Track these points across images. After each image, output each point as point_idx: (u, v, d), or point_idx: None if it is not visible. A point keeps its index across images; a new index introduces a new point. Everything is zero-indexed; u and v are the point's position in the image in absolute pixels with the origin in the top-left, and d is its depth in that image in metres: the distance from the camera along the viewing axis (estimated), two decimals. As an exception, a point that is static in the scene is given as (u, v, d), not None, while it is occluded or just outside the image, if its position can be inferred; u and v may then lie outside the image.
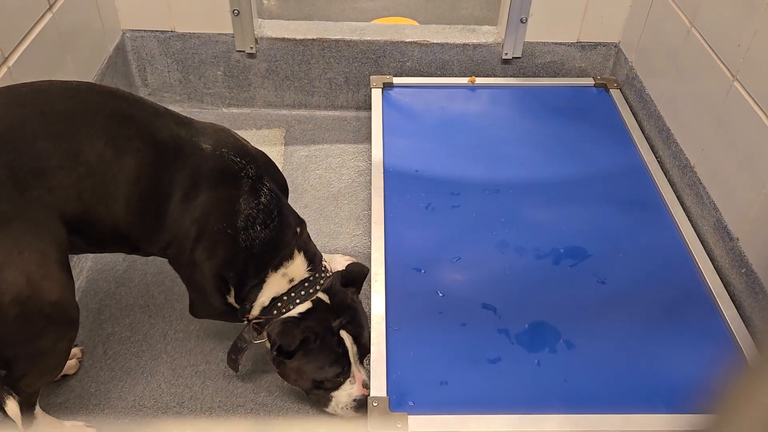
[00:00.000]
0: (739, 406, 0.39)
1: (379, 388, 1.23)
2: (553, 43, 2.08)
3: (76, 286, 1.52)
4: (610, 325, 1.37)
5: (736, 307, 1.40)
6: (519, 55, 2.08)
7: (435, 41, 2.05)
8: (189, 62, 2.08)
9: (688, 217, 1.61)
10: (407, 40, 2.05)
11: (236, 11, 1.96)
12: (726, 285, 1.44)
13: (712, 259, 1.51)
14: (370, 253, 1.51)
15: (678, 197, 1.67)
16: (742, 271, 1.40)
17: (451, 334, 1.34)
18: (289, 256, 1.22)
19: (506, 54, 2.07)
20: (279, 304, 1.22)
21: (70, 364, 1.36)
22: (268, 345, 1.23)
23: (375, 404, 1.20)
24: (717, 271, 1.47)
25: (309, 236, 1.30)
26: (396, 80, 2.05)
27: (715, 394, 0.40)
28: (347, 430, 1.28)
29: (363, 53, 2.06)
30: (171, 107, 2.04)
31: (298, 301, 1.22)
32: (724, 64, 1.49)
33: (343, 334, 1.25)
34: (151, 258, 1.60)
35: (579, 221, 1.61)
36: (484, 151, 1.82)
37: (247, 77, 2.11)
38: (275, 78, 2.12)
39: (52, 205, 0.99)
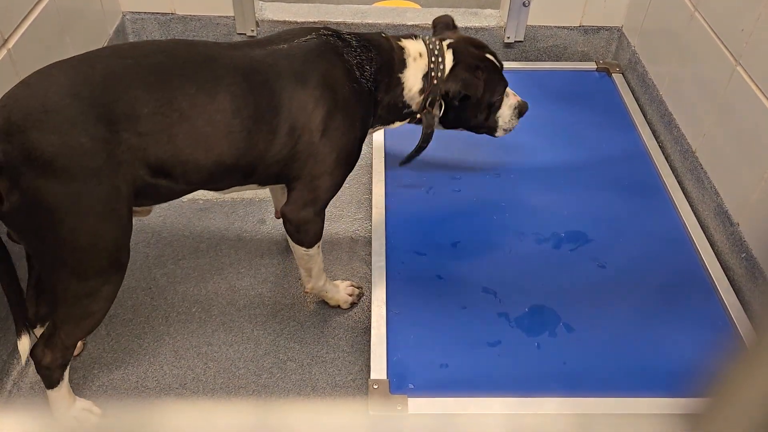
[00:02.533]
0: (736, 389, 0.40)
1: (379, 370, 1.24)
2: (555, 27, 2.06)
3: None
4: (610, 309, 1.38)
5: (735, 291, 1.40)
6: (521, 39, 2.07)
7: (437, 24, 2.04)
8: (190, 45, 2.07)
9: (688, 201, 1.62)
10: (409, 23, 2.04)
11: (237, -7, 1.95)
12: (725, 270, 1.45)
13: (712, 244, 1.51)
14: (371, 237, 1.51)
15: (679, 182, 1.67)
16: (742, 256, 1.41)
17: (452, 318, 1.35)
18: (401, 50, 1.31)
19: (508, 38, 2.06)
20: (432, 74, 1.31)
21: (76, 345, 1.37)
22: (437, 117, 1.35)
23: (375, 387, 1.21)
24: (717, 256, 1.48)
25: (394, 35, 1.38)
26: (397, 64, 2.04)
27: (713, 378, 0.41)
28: (348, 412, 1.29)
29: (364, 36, 2.05)
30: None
31: (441, 59, 1.32)
32: (727, 49, 1.49)
33: (488, 56, 1.39)
34: (153, 240, 1.61)
35: (580, 205, 1.61)
36: (485, 135, 1.81)
37: (248, 60, 2.10)
38: (276, 61, 2.11)
39: (139, 148, 1.03)
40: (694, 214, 1.58)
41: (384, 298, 1.38)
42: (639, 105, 1.93)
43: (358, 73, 1.23)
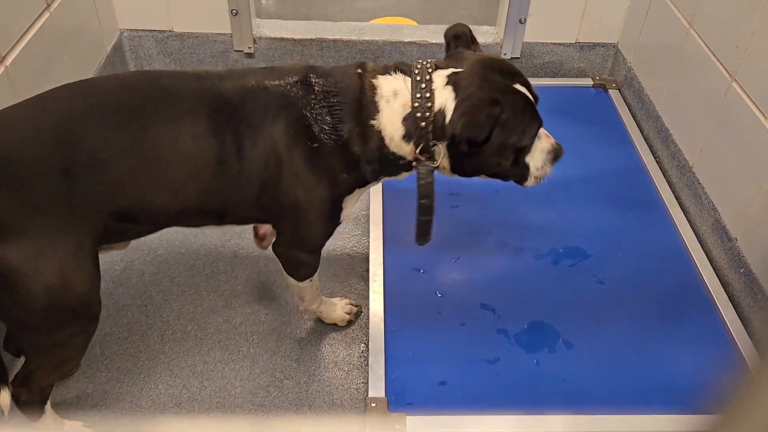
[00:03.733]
0: (742, 409, 0.39)
1: (377, 388, 1.23)
2: (551, 43, 2.08)
3: (74, 286, 1.52)
4: (609, 325, 1.37)
5: (734, 307, 1.40)
6: (518, 55, 2.08)
7: (434, 41, 2.05)
8: (187, 62, 2.08)
9: (686, 217, 1.61)
10: (406, 40, 2.05)
11: (234, 11, 1.96)
12: (724, 285, 1.44)
13: (710, 259, 1.51)
14: (369, 254, 1.51)
15: (676, 197, 1.67)
16: (741, 271, 1.40)
17: (450, 335, 1.34)
18: (373, 91, 1.09)
19: (505, 54, 2.07)
20: (417, 115, 1.06)
21: (68, 365, 1.35)
22: (446, 161, 1.12)
23: (373, 405, 1.19)
24: (715, 271, 1.47)
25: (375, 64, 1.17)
26: (394, 80, 2.05)
27: (718, 397, 0.40)
28: (345, 430, 1.28)
29: (362, 53, 2.06)
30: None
31: (428, 95, 1.06)
32: (723, 65, 1.49)
33: (518, 87, 1.09)
34: (149, 258, 1.60)
35: (578, 221, 1.61)
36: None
37: (245, 77, 2.11)
38: (273, 78, 2.11)
39: (102, 196, 0.99)
40: (692, 229, 1.58)
41: (382, 314, 1.37)
42: (636, 120, 1.93)
43: (317, 128, 1.07)
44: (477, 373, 1.27)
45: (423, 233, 1.18)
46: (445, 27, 2.07)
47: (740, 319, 1.37)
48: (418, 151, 1.09)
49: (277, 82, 1.08)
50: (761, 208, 1.35)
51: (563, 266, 1.49)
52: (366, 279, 1.54)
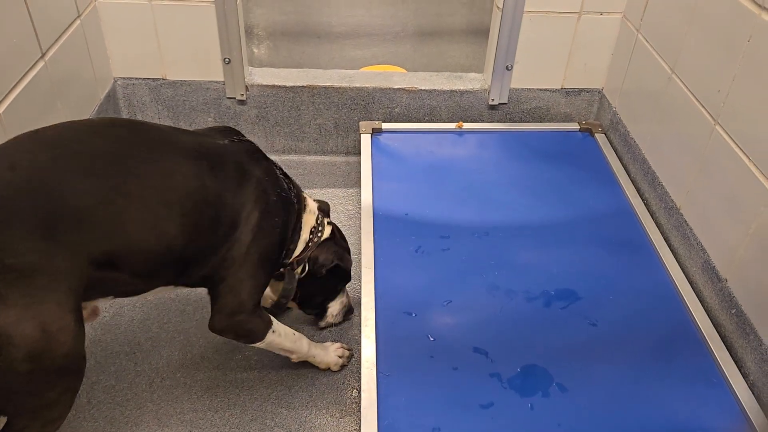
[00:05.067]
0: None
1: (370, 435, 1.20)
2: (538, 89, 2.12)
3: (61, 333, 1.50)
4: (603, 367, 1.36)
5: (727, 348, 1.39)
6: (505, 101, 2.12)
7: (423, 88, 2.09)
8: (180, 109, 2.10)
9: (676, 258, 1.62)
10: (395, 86, 2.09)
11: (227, 59, 2.00)
12: (716, 326, 1.44)
13: (701, 301, 1.51)
14: (360, 297, 1.50)
15: (665, 239, 1.69)
16: (732, 312, 1.40)
17: (443, 379, 1.33)
18: (304, 199, 1.38)
19: (493, 100, 2.11)
20: (314, 238, 1.37)
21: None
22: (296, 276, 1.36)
23: (366, 452, 1.17)
24: (707, 312, 1.48)
25: None
26: (385, 126, 2.08)
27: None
28: None
29: (352, 99, 2.09)
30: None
31: (321, 228, 1.39)
32: (706, 109, 1.53)
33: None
34: (138, 304, 1.59)
35: (568, 263, 1.61)
36: (473, 194, 1.83)
37: (237, 123, 2.13)
38: (265, 124, 2.14)
39: (82, 246, 0.97)
40: (682, 270, 1.59)
41: (374, 359, 1.35)
42: (622, 163, 1.96)
43: (285, 184, 1.29)
44: (471, 418, 1.25)
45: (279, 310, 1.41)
46: (433, 74, 2.10)
47: (734, 361, 1.37)
48: (297, 259, 1.35)
49: (245, 139, 1.28)
50: (749, 248, 1.36)
51: (555, 308, 1.49)
52: (357, 323, 1.53)
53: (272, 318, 1.29)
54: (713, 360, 1.38)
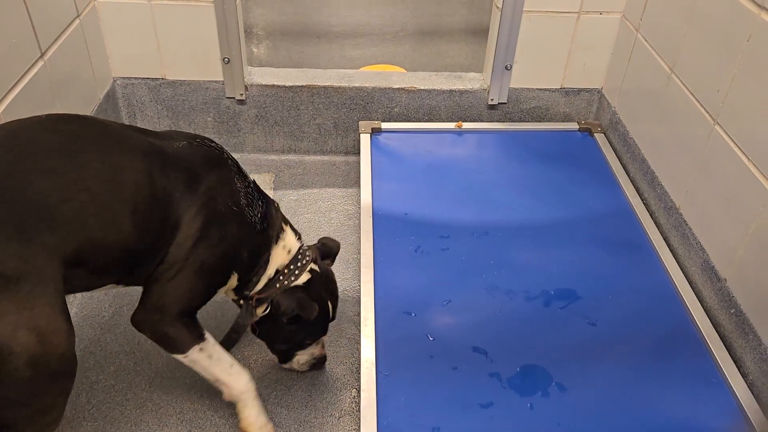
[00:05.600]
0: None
1: (369, 434, 1.21)
2: (537, 89, 2.12)
3: (61, 333, 1.50)
4: (602, 367, 1.36)
5: (726, 348, 1.40)
6: (504, 100, 2.12)
7: (422, 87, 2.09)
8: (179, 108, 2.10)
9: (675, 258, 1.62)
10: (395, 86, 2.09)
11: (227, 59, 2.00)
12: (716, 326, 1.44)
13: (700, 300, 1.51)
14: (360, 297, 1.50)
15: (665, 239, 1.69)
16: (731, 311, 1.41)
17: (443, 379, 1.33)
18: (281, 229, 1.28)
19: (492, 100, 2.11)
20: (281, 277, 1.26)
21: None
22: (258, 315, 1.28)
23: (365, 452, 1.17)
24: (706, 312, 1.48)
25: None
26: (384, 125, 2.08)
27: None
28: None
29: (351, 99, 2.09)
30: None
31: (297, 272, 1.27)
32: (705, 109, 1.53)
33: (329, 303, 1.33)
34: (137, 303, 1.58)
35: (568, 263, 1.61)
36: (472, 194, 1.84)
37: (236, 123, 2.13)
38: (265, 124, 2.14)
39: (55, 245, 0.96)
40: (682, 270, 1.59)
41: (374, 359, 1.35)
42: (622, 163, 1.96)
43: (244, 201, 1.20)
44: (470, 417, 1.25)
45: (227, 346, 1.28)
46: (433, 74, 2.09)
47: (733, 360, 1.37)
48: (258, 297, 1.26)
49: (213, 146, 1.21)
50: (749, 248, 1.36)
51: (554, 308, 1.49)
52: (357, 323, 1.54)
53: (209, 337, 1.20)
54: (712, 360, 1.38)
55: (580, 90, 2.14)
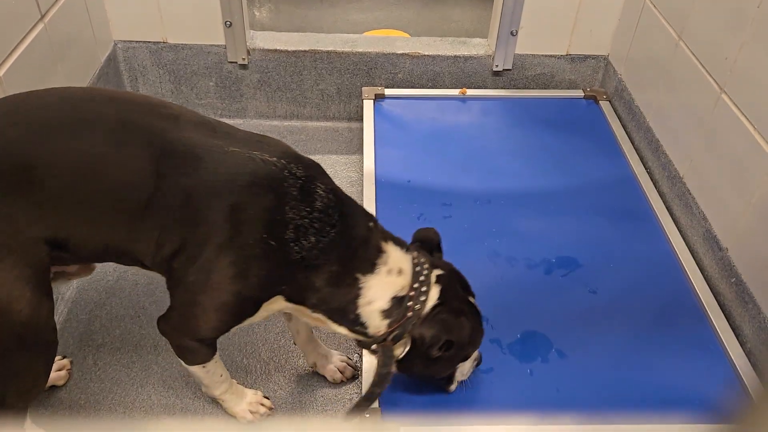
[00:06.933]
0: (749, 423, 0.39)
1: (370, 408, 1.22)
2: (543, 55, 2.10)
3: (66, 296, 1.51)
4: (602, 334, 1.37)
5: (725, 316, 1.41)
6: (509, 67, 2.10)
7: (426, 53, 2.06)
8: (181, 73, 2.08)
9: (677, 227, 1.63)
10: (399, 52, 2.06)
11: (228, 23, 1.97)
12: (716, 295, 1.45)
13: (701, 269, 1.52)
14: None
15: (667, 208, 1.69)
16: (732, 280, 1.41)
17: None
18: (378, 252, 1.06)
19: (497, 66, 2.09)
20: (409, 303, 1.06)
21: (60, 375, 1.34)
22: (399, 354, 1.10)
23: (367, 415, 1.19)
24: (707, 281, 1.48)
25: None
26: (388, 92, 2.06)
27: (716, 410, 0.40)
28: (339, 429, 1.27)
29: (355, 65, 2.07)
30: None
31: (424, 289, 1.07)
32: (712, 77, 1.51)
33: (471, 299, 1.15)
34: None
35: (570, 231, 1.62)
36: (476, 162, 1.83)
37: (239, 88, 2.12)
38: (267, 89, 2.12)
39: (36, 220, 0.95)
40: (683, 239, 1.59)
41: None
42: (626, 132, 1.95)
43: (291, 234, 0.99)
44: (471, 383, 1.27)
45: (359, 409, 1.12)
46: (437, 39, 2.07)
47: (732, 329, 1.38)
48: (391, 334, 1.07)
49: (270, 159, 1.00)
50: (751, 218, 1.36)
51: (555, 276, 1.50)
52: (359, 289, 1.54)
53: (215, 355, 1.16)
54: (711, 328, 1.39)
55: (586, 57, 2.11)
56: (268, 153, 1.01)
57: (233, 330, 1.45)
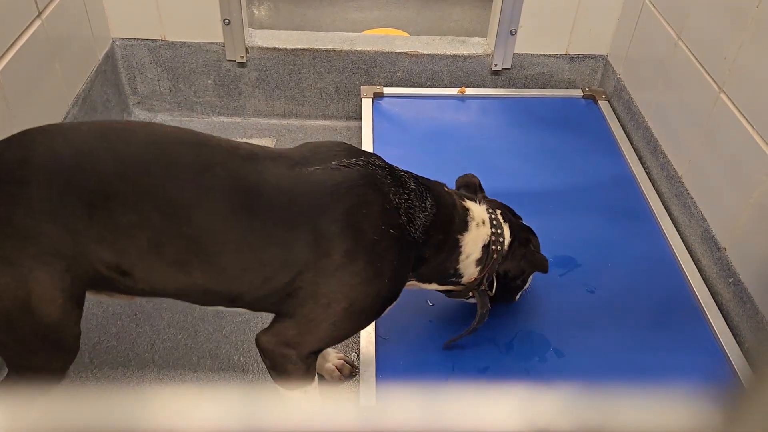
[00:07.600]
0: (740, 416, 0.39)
1: (368, 396, 1.22)
2: (542, 55, 2.09)
3: (63, 294, 1.51)
4: (600, 334, 1.37)
5: (723, 316, 1.40)
6: (508, 66, 2.10)
7: (425, 52, 2.06)
8: (179, 71, 2.08)
9: (675, 227, 1.62)
10: (398, 50, 2.06)
11: (227, 21, 1.97)
12: (714, 295, 1.45)
13: (699, 269, 1.51)
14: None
15: (666, 207, 1.68)
16: (730, 281, 1.41)
17: (441, 343, 1.34)
18: (464, 210, 1.18)
19: (496, 65, 2.09)
20: (493, 246, 1.20)
21: (56, 374, 1.34)
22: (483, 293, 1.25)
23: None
24: (705, 281, 1.48)
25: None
26: (386, 90, 2.06)
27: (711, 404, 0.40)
28: (337, 401, 1.26)
29: (354, 63, 2.07)
30: (160, 116, 2.02)
31: (500, 231, 1.21)
32: (711, 76, 1.51)
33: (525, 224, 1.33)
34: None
35: (568, 231, 1.61)
36: (474, 161, 1.83)
37: (237, 86, 2.11)
38: (266, 87, 2.12)
39: (101, 243, 0.93)
40: (681, 239, 1.59)
41: (373, 323, 1.36)
42: (625, 131, 1.95)
43: (404, 218, 1.04)
44: (467, 382, 1.27)
45: (457, 339, 1.30)
46: (436, 38, 2.07)
47: (730, 329, 1.38)
48: (483, 278, 1.21)
49: (354, 161, 1.04)
50: (750, 218, 1.36)
51: (553, 275, 1.50)
52: (357, 288, 1.54)
53: (316, 380, 1.11)
54: (709, 328, 1.39)
55: (585, 56, 2.11)
56: (341, 157, 1.05)
57: (230, 329, 1.46)
